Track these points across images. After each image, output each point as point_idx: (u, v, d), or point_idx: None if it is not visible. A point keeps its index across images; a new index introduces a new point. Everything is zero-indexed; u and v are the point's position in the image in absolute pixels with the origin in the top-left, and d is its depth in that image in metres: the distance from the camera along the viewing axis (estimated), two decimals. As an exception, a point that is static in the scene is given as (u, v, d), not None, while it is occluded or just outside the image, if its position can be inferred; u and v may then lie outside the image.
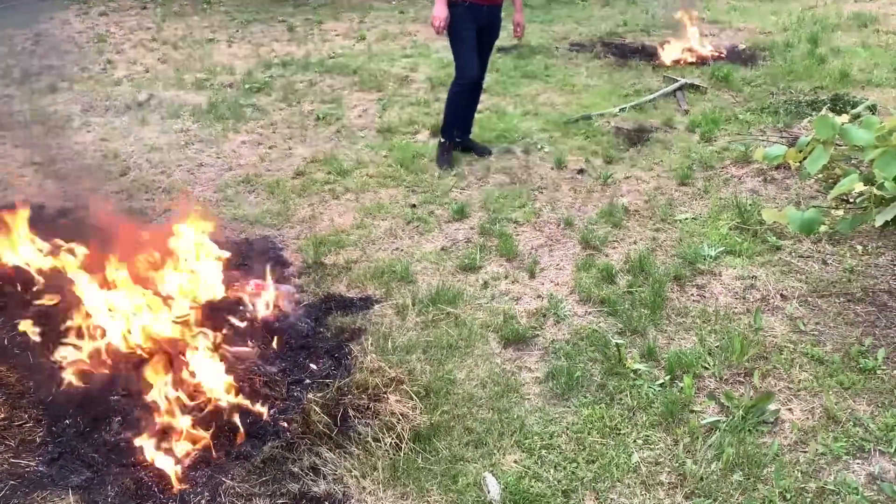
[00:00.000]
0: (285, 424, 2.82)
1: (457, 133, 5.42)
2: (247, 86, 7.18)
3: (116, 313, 3.07)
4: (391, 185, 5.06)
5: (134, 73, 7.76)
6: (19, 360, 3.17)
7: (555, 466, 2.71)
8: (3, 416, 2.92)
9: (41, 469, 2.66)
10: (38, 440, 2.81)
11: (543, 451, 2.78)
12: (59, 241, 3.49)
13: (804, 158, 3.39)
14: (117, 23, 10.06)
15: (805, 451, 2.75)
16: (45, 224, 4.45)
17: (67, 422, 2.85)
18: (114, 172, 5.29)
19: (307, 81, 7.37)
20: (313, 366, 3.19)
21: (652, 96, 6.46)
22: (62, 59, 8.23)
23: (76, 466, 2.66)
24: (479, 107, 6.35)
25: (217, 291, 3.43)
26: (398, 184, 5.07)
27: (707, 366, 3.20)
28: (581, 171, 5.13)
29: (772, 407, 2.93)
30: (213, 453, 2.69)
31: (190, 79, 7.46)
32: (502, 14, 5.09)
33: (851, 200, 3.71)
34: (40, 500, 2.53)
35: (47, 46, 8.78)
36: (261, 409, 2.86)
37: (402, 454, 2.73)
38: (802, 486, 2.60)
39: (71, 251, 3.36)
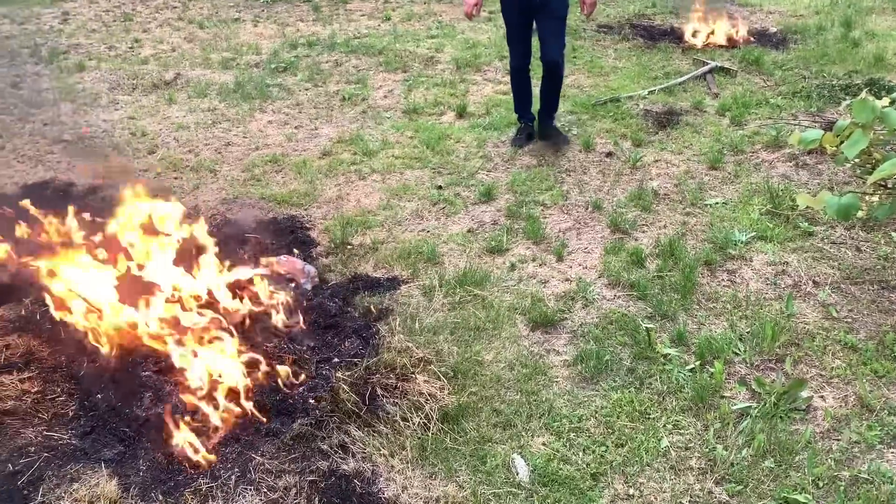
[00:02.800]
0: (314, 402, 2.83)
1: (526, 119, 5.32)
2: (273, 65, 7.18)
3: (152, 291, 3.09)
4: (417, 166, 5.04)
5: (161, 51, 7.77)
6: (52, 335, 3.21)
7: (583, 449, 2.70)
8: (36, 389, 2.96)
9: (74, 442, 2.70)
10: (70, 414, 2.85)
11: (572, 434, 2.77)
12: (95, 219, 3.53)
13: (841, 143, 3.33)
14: (143, 1, 10.08)
15: (838, 440, 2.72)
16: (75, 201, 4.50)
17: (100, 396, 2.89)
18: (142, 150, 5.32)
19: (332, 61, 7.35)
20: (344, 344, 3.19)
21: (681, 79, 6.36)
22: (89, 38, 8.27)
23: (109, 440, 2.69)
24: (504, 88, 6.34)
25: (244, 272, 3.44)
26: (424, 165, 5.04)
27: (738, 351, 3.17)
28: (609, 154, 5.07)
29: (804, 394, 2.89)
30: (243, 430, 2.71)
31: (216, 58, 7.47)
32: None
33: (889, 186, 3.64)
34: (73, 472, 2.56)
35: (74, 25, 8.82)
36: (290, 386, 2.87)
37: (430, 434, 2.73)
38: (835, 474, 2.57)
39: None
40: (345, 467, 2.58)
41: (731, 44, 7.38)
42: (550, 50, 4.84)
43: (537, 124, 5.32)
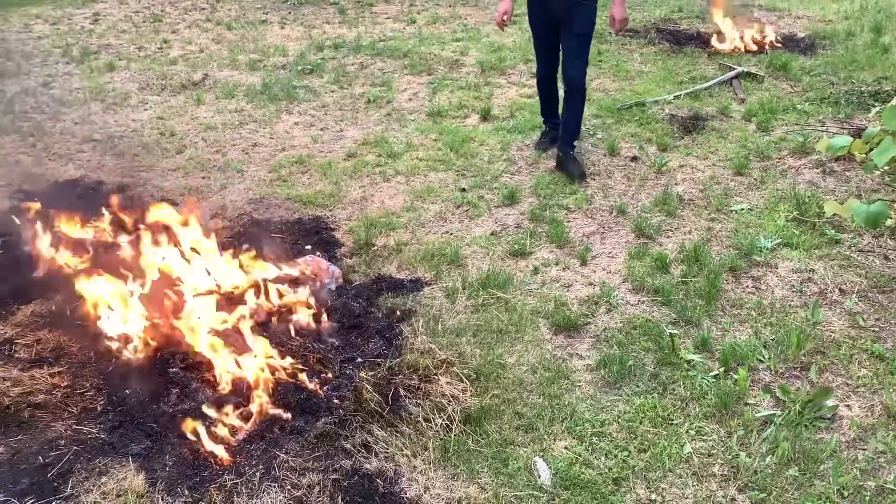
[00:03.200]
0: (338, 401, 2.85)
1: (550, 125, 5.26)
2: (299, 67, 7.24)
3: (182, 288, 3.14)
4: (441, 168, 5.06)
5: (189, 52, 7.87)
6: (81, 331, 3.27)
7: (606, 454, 2.70)
8: (66, 384, 3.01)
9: (102, 436, 2.74)
10: (99, 408, 2.90)
11: (594, 439, 2.77)
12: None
13: (870, 150, 3.30)
14: (172, 3, 10.21)
15: (864, 449, 2.69)
16: (104, 199, 4.58)
17: (128, 392, 2.93)
18: (170, 150, 5.39)
19: (358, 64, 7.39)
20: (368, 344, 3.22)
21: (707, 84, 6.33)
22: (119, 38, 8.39)
23: (136, 435, 2.73)
24: (529, 91, 6.35)
25: (271, 271, 3.48)
26: (448, 167, 5.06)
27: (762, 359, 3.15)
28: (634, 159, 5.06)
29: (829, 402, 2.87)
30: (268, 427, 2.74)
31: (244, 59, 7.54)
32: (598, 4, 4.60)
33: (918, 194, 3.60)
34: (102, 465, 2.60)
35: (105, 26, 8.95)
36: (314, 385, 2.90)
37: (452, 435, 2.74)
38: (861, 483, 2.55)
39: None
40: (367, 466, 2.60)
41: (759, 49, 7.33)
42: (569, 68, 4.68)
43: (557, 151, 4.98)
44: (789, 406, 2.86)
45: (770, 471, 2.60)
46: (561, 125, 4.96)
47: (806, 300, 3.53)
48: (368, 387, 2.85)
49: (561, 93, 4.93)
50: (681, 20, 8.61)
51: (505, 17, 4.74)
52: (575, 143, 4.96)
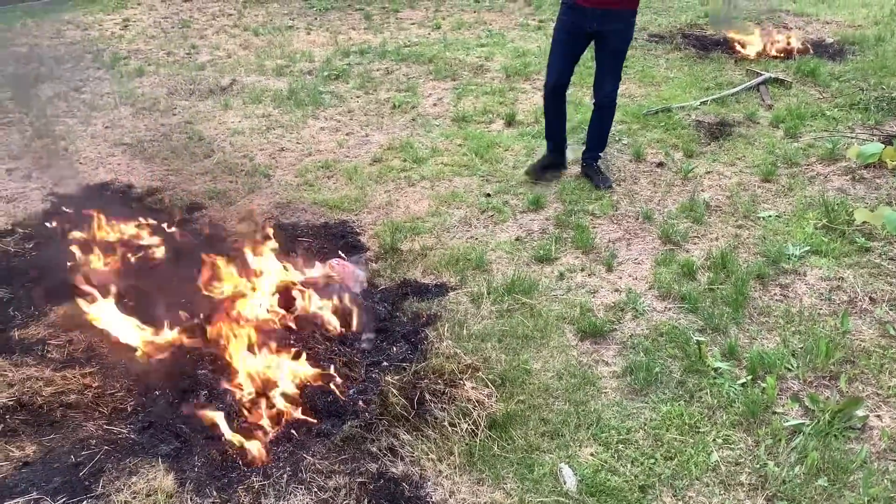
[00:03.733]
0: (364, 405, 2.87)
1: (550, 147, 4.94)
2: (325, 73, 7.29)
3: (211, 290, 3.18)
4: (466, 173, 5.07)
5: (217, 58, 7.96)
6: (111, 332, 3.32)
7: (632, 461, 2.69)
8: (97, 384, 3.06)
9: (132, 437, 2.78)
10: (129, 409, 2.94)
11: (620, 446, 2.76)
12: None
13: (902, 157, 3.25)
14: (200, 9, 10.33)
15: (895, 460, 2.66)
16: (135, 203, 4.65)
17: (157, 393, 2.98)
18: (199, 154, 5.45)
19: (383, 69, 7.44)
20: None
21: (734, 90, 6.29)
22: (149, 44, 8.51)
23: (165, 436, 2.77)
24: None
25: (296, 274, 3.51)
26: (472, 173, 5.07)
27: (790, 367, 3.12)
28: (660, 165, 5.04)
29: (859, 413, 2.84)
30: (295, 430, 2.76)
31: (271, 65, 7.62)
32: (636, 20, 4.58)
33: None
34: (132, 465, 2.64)
35: (134, 31, 9.08)
36: (341, 389, 2.92)
37: (477, 440, 2.75)
38: (892, 495, 2.51)
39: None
40: (393, 470, 2.61)
41: (786, 54, 7.27)
42: (604, 86, 4.57)
43: (581, 161, 4.93)
44: (818, 415, 2.83)
45: (799, 481, 2.57)
46: (588, 135, 4.86)
47: (835, 308, 3.49)
48: (394, 391, 2.87)
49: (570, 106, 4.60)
50: (707, 26, 8.56)
51: None
52: (600, 154, 4.90)
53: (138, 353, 3.11)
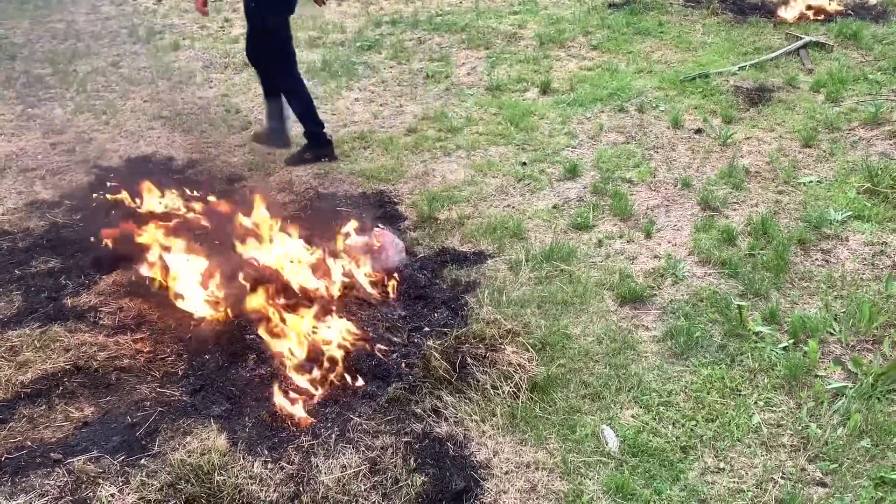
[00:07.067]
0: (407, 368, 2.93)
1: None
2: (358, 44, 7.30)
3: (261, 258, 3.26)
4: (501, 142, 5.08)
5: (250, 31, 7.99)
6: (160, 299, 3.41)
7: (673, 423, 2.72)
8: (148, 349, 3.16)
9: (185, 399, 2.88)
10: (180, 373, 3.03)
11: (661, 408, 2.79)
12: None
13: (950, 118, 3.20)
14: (232, -18, 10.35)
15: (940, 422, 2.65)
16: (175, 175, 4.74)
17: (207, 357, 3.06)
18: (236, 127, 5.52)
19: (416, 39, 7.42)
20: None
21: (773, 54, 6.17)
22: (182, 18, 8.57)
23: (216, 398, 2.86)
24: (590, 64, 6.29)
25: (339, 243, 3.56)
26: (508, 141, 5.07)
27: (832, 331, 3.11)
28: (699, 131, 4.99)
29: (904, 376, 2.83)
30: (342, 392, 2.83)
31: (303, 37, 7.63)
32: None
33: None
34: (186, 426, 2.73)
35: (168, 6, 9.15)
36: (384, 352, 2.98)
37: (519, 402, 2.79)
38: (936, 456, 2.51)
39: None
40: (438, 430, 2.67)
41: (827, 17, 7.10)
42: None
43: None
44: (861, 378, 2.83)
45: (841, 442, 2.58)
46: None
47: (878, 273, 3.46)
48: (436, 354, 2.91)
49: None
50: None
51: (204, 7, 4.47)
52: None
53: (196, 318, 3.20)
